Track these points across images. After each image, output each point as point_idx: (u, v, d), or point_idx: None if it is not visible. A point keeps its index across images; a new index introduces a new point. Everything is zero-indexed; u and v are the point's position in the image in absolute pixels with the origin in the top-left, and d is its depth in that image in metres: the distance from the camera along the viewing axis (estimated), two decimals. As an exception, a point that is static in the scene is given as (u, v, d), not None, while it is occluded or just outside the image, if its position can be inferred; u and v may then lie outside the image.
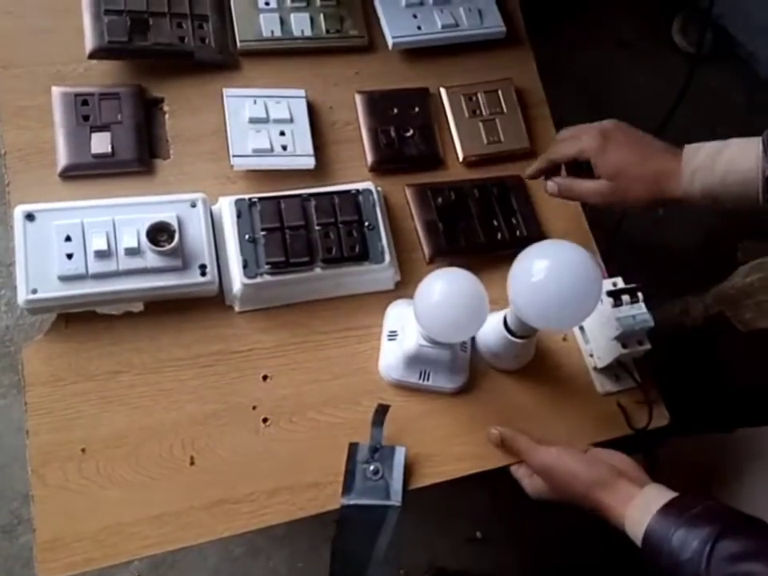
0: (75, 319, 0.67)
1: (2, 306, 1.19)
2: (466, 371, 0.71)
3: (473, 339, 0.73)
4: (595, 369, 0.75)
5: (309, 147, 0.77)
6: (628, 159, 0.69)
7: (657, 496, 0.58)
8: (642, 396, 0.74)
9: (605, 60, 1.59)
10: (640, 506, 0.58)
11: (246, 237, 0.69)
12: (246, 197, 0.71)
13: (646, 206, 0.70)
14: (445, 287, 0.61)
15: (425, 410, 0.70)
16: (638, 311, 0.71)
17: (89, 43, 0.72)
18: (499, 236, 0.78)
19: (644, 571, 0.58)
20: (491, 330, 0.70)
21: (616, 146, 0.70)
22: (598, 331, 0.73)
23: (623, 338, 0.71)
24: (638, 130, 0.72)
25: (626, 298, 0.71)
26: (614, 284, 0.73)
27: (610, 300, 0.70)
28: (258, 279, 0.68)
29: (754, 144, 0.65)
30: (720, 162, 0.65)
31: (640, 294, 0.71)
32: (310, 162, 0.76)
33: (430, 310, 0.61)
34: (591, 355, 0.75)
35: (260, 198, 0.71)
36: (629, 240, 0.80)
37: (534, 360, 0.74)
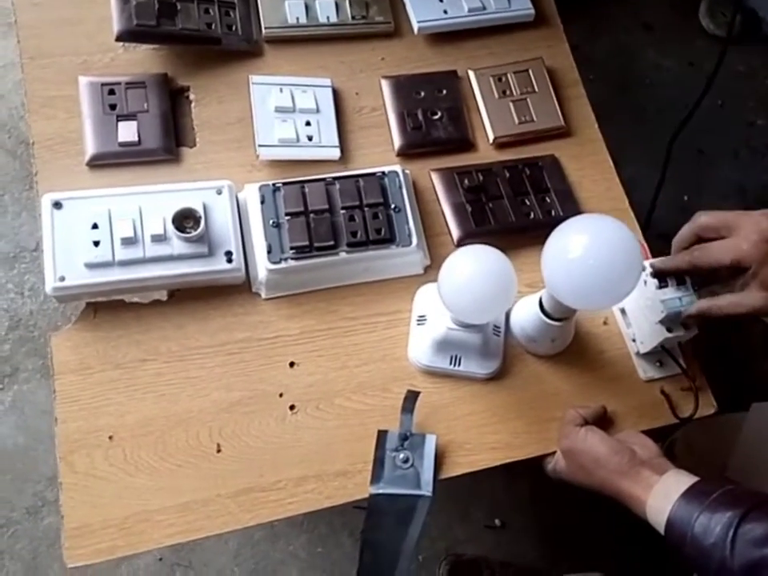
0: (103, 308, 0.67)
1: (26, 291, 1.22)
2: (499, 356, 0.68)
3: (507, 322, 0.70)
4: (638, 354, 0.71)
5: (334, 138, 0.76)
6: None
7: (677, 482, 0.56)
8: (688, 383, 0.70)
9: (630, 43, 1.55)
10: (661, 494, 0.56)
11: (271, 222, 0.68)
12: (271, 182, 0.70)
13: None
14: (469, 264, 0.58)
15: (456, 396, 0.68)
16: (684, 293, 0.66)
17: (116, 25, 0.72)
18: (532, 215, 0.75)
19: (662, 557, 0.55)
20: (526, 313, 0.67)
21: None
22: (641, 314, 0.69)
23: (668, 322, 0.67)
24: None
25: (671, 279, 0.67)
26: (658, 264, 0.69)
27: (655, 281, 0.66)
28: (283, 264, 0.67)
29: None
30: None
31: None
32: (335, 154, 0.75)
33: (455, 288, 0.58)
34: (634, 340, 0.71)
35: (284, 183, 0.70)
36: (655, 230, 0.76)
37: (573, 345, 0.71)
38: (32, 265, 1.21)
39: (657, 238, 0.79)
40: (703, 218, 0.63)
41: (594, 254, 0.55)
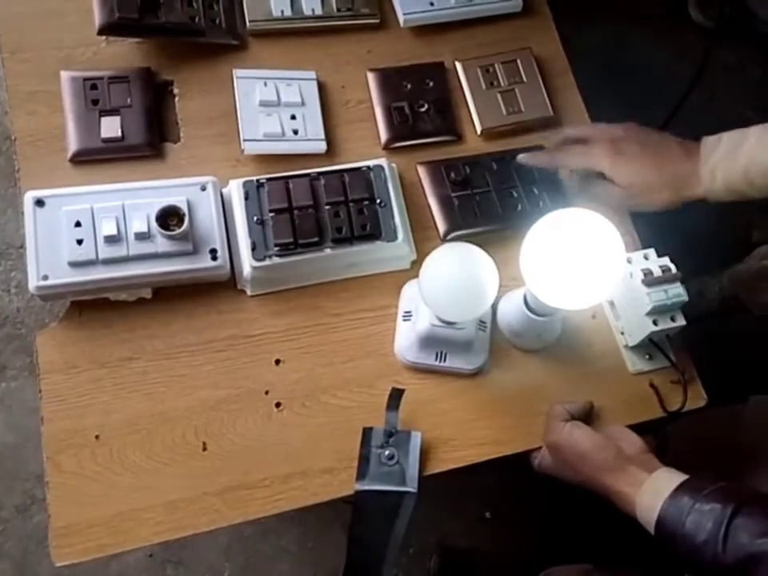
0: (89, 307, 0.67)
1: (12, 288, 1.21)
2: (485, 351, 0.68)
3: (493, 318, 0.69)
4: (626, 347, 0.71)
5: (320, 131, 0.75)
6: (643, 172, 0.67)
7: (667, 480, 0.56)
8: (677, 375, 0.70)
9: (620, 34, 1.53)
10: (650, 492, 0.56)
11: (255, 219, 0.67)
12: (254, 178, 0.69)
13: (669, 208, 0.68)
14: (449, 263, 0.58)
15: (442, 392, 0.68)
16: (670, 286, 0.66)
17: (98, 19, 0.71)
18: (519, 207, 0.74)
19: (656, 551, 0.56)
20: (512, 308, 0.67)
21: (629, 159, 0.67)
22: (629, 307, 0.69)
23: (655, 314, 0.66)
24: (652, 132, 0.69)
25: (657, 271, 0.66)
26: (646, 257, 0.69)
27: (641, 274, 0.66)
28: (267, 261, 0.66)
29: None
30: (740, 157, 0.63)
31: (673, 268, 0.67)
32: (321, 147, 0.75)
33: (434, 287, 0.58)
34: (622, 333, 0.71)
35: (268, 179, 0.69)
36: (643, 219, 0.76)
37: (560, 339, 0.71)
38: (18, 262, 1.21)
39: (646, 229, 0.78)
40: (567, 130, 0.75)
41: (569, 251, 0.55)
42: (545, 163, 0.74)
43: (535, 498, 1.11)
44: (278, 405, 0.66)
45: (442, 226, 0.73)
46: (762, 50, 1.57)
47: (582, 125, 0.74)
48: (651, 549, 0.57)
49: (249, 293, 0.69)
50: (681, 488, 0.54)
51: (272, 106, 0.74)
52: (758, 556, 0.49)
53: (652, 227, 0.77)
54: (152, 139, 0.72)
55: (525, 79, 0.81)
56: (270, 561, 1.11)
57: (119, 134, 0.70)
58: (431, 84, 0.80)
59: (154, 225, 0.65)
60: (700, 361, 0.72)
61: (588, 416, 0.67)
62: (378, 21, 0.82)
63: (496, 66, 0.81)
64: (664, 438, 0.87)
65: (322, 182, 0.69)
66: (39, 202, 0.65)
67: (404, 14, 0.81)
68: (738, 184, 0.64)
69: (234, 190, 0.69)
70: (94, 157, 0.70)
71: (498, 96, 0.80)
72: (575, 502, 0.89)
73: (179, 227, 0.66)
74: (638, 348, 0.71)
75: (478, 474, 1.13)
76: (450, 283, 0.57)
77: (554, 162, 0.73)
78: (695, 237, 1.31)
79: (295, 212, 0.67)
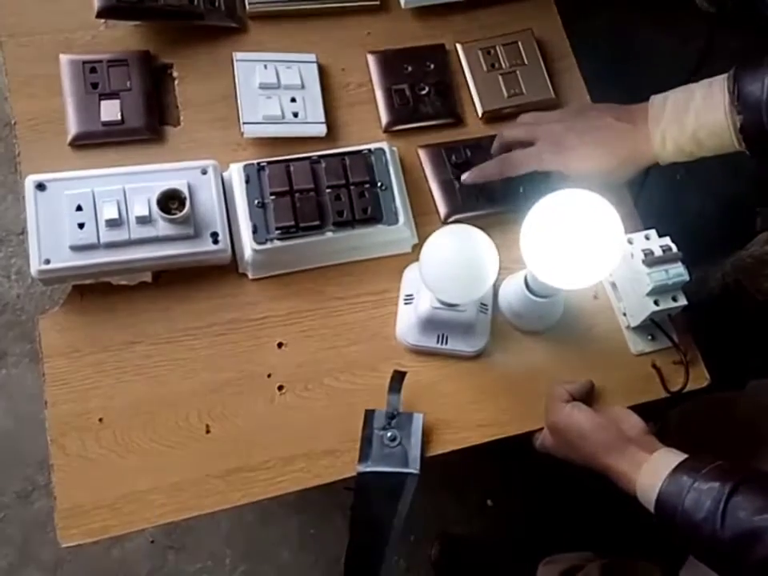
0: (90, 291, 0.67)
1: (12, 274, 1.21)
2: (486, 334, 0.68)
3: (494, 300, 0.70)
4: (628, 328, 0.71)
5: (320, 114, 0.75)
6: (594, 161, 0.66)
7: (667, 460, 0.56)
8: (679, 356, 0.70)
9: (624, 20, 1.51)
10: (650, 472, 0.57)
11: (256, 202, 0.67)
12: (255, 161, 0.69)
13: (629, 180, 0.69)
14: (449, 244, 0.58)
15: (444, 374, 0.68)
16: (671, 266, 0.66)
17: (97, 1, 0.70)
18: (520, 191, 0.74)
19: (656, 538, 0.55)
20: (513, 290, 0.67)
21: (576, 153, 0.66)
22: (630, 288, 0.69)
23: (656, 294, 0.66)
24: (589, 115, 0.68)
25: (658, 251, 0.66)
26: (647, 237, 0.69)
27: (641, 254, 0.66)
28: (269, 245, 0.66)
29: (718, 93, 0.62)
30: (688, 119, 0.62)
31: (674, 248, 0.67)
32: (321, 130, 0.74)
33: (434, 269, 0.58)
34: (624, 314, 0.71)
35: (268, 162, 0.69)
36: (646, 206, 0.76)
37: (562, 320, 0.71)
38: (18, 248, 1.21)
39: (649, 216, 0.78)
40: (506, 133, 0.72)
41: (567, 231, 0.55)
42: (493, 176, 0.71)
43: (536, 486, 1.12)
44: (280, 388, 0.66)
45: (442, 210, 0.73)
46: (765, 35, 1.55)
47: (517, 125, 0.72)
48: (651, 536, 0.58)
49: (250, 276, 0.69)
50: (680, 467, 0.55)
51: (272, 89, 0.74)
52: (756, 532, 0.49)
53: (655, 213, 0.77)
54: (152, 123, 0.72)
55: (526, 61, 0.81)
56: (272, 548, 1.11)
57: (119, 117, 0.70)
58: (432, 66, 0.79)
59: (155, 208, 0.65)
60: (702, 346, 0.72)
61: (589, 396, 0.67)
62: (378, 2, 0.81)
63: (497, 48, 0.81)
64: (665, 425, 0.88)
65: (323, 165, 0.69)
66: (40, 186, 0.65)
67: (404, -5, 0.80)
68: (687, 146, 0.63)
69: (235, 173, 0.69)
70: (94, 140, 0.70)
71: (500, 78, 0.80)
72: (576, 491, 0.90)
73: (180, 211, 0.66)
74: (640, 329, 0.71)
75: (480, 461, 1.14)
76: (450, 264, 0.57)
77: (502, 172, 0.70)
78: (698, 223, 1.30)
79: (296, 195, 0.67)
